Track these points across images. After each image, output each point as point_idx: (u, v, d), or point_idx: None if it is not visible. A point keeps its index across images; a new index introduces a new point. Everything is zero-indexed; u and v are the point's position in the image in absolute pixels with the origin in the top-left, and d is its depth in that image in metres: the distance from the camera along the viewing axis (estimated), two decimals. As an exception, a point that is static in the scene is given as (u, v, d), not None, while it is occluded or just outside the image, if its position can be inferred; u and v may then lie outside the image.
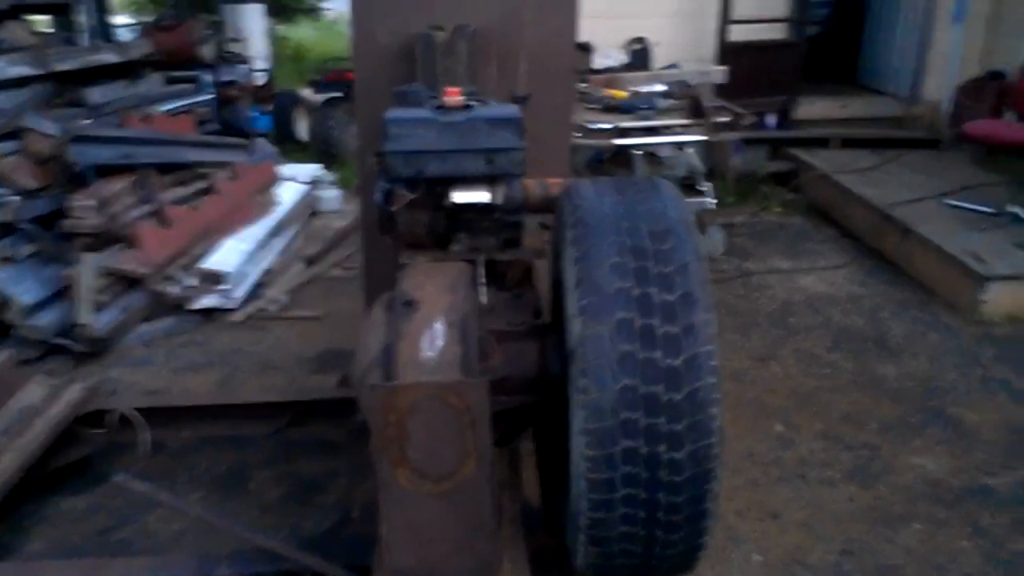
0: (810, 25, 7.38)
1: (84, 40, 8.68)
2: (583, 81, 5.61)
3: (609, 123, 4.56)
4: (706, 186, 5.13)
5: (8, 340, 3.81)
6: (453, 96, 1.95)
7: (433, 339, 1.80)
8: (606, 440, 1.55)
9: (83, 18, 9.55)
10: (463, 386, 1.70)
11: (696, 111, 4.55)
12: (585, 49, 6.29)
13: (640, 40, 6.20)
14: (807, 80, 6.93)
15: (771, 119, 6.69)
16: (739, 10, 6.27)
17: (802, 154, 6.37)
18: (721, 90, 6.16)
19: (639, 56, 6.15)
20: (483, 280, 2.01)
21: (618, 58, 6.13)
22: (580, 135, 4.72)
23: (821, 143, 6.52)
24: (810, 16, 6.85)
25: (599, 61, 6.17)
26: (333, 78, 7.51)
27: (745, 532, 2.85)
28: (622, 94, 5.20)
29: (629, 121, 4.59)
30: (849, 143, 6.51)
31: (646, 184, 1.84)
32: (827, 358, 4.04)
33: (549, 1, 2.98)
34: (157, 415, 3.14)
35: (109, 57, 5.16)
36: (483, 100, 2.06)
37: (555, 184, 2.22)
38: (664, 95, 4.94)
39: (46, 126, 4.13)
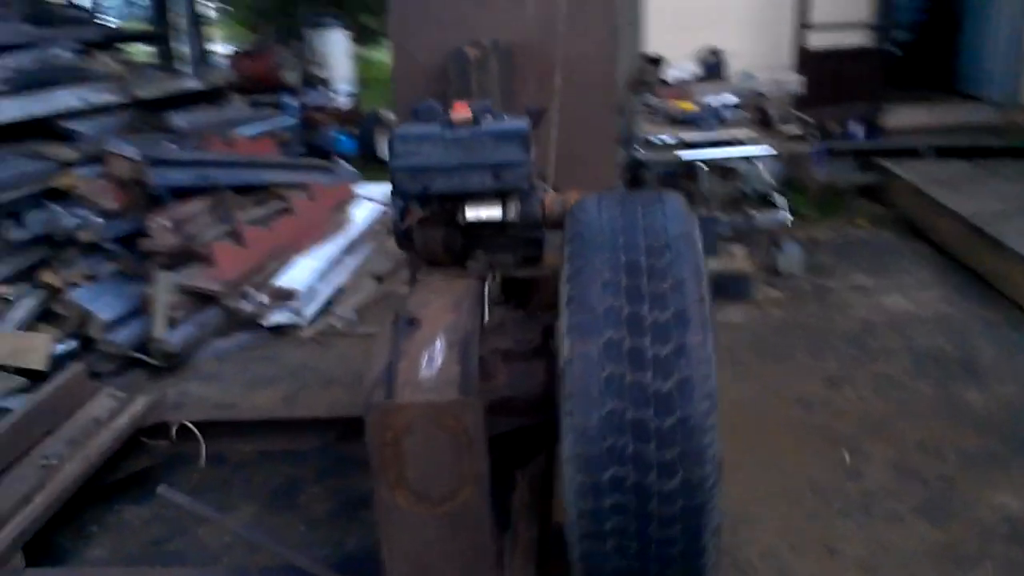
0: (900, 30, 7.03)
1: (184, 67, 9.20)
2: (653, 94, 5.52)
3: (672, 136, 4.45)
4: (780, 200, 4.94)
5: (89, 354, 4.02)
6: (461, 111, 1.92)
7: (432, 358, 1.77)
8: (592, 467, 1.48)
9: (183, 47, 10.12)
10: (458, 406, 1.66)
11: (764, 122, 4.39)
12: (656, 62, 6.20)
13: (713, 50, 6.04)
14: (899, 87, 6.59)
15: (857, 129, 6.39)
16: (818, 16, 6.03)
17: (891, 165, 6.05)
18: (800, 99, 5.94)
19: (712, 67, 5.99)
20: (490, 298, 1.97)
21: (690, 70, 6.00)
22: (644, 150, 4.64)
23: (912, 153, 6.17)
24: (896, 20, 6.51)
25: (671, 74, 6.06)
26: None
27: (799, 569, 2.68)
28: (690, 106, 5.08)
29: (693, 134, 4.46)
30: (943, 152, 6.14)
31: (651, 198, 1.76)
32: (906, 383, 3.79)
33: (585, 15, 2.93)
34: (217, 428, 3.24)
35: (191, 84, 5.42)
36: (496, 114, 2.03)
37: (576, 200, 2.16)
38: (731, 106, 4.78)
39: (127, 150, 4.35)
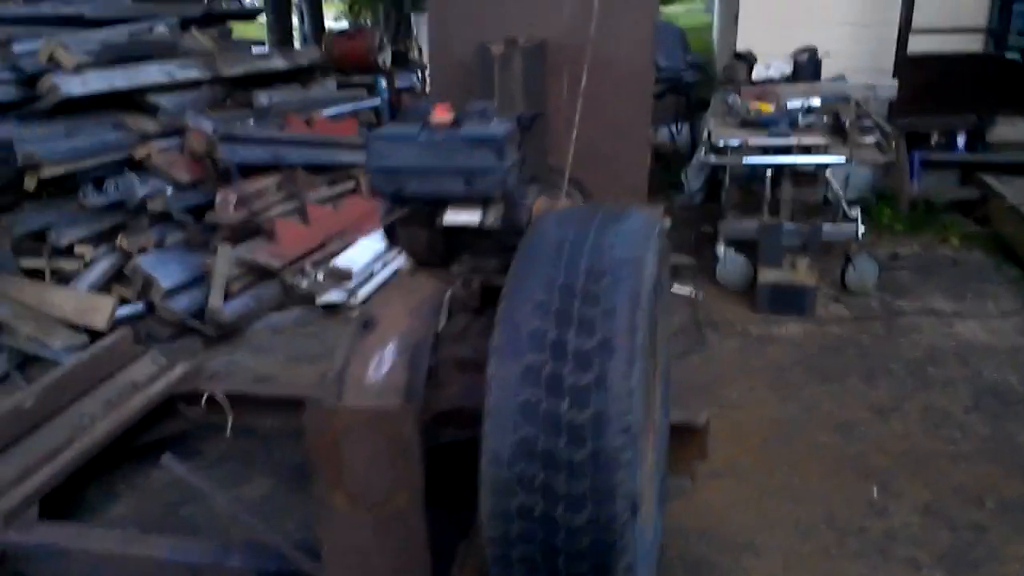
0: (1021, 38, 6.48)
1: (297, 43, 9.48)
2: (737, 92, 5.32)
3: (737, 139, 4.27)
4: (854, 211, 4.68)
5: (150, 318, 4.24)
6: (441, 114, 1.91)
7: (382, 362, 1.78)
8: (502, 492, 1.45)
9: (296, 22, 10.44)
10: (394, 414, 1.66)
11: (837, 129, 4.15)
12: (745, 59, 5.97)
13: (809, 50, 5.75)
14: (1015, 98, 6.08)
15: (959, 140, 5.96)
16: (926, 19, 5.63)
17: (992, 181, 5.61)
18: (898, 106, 5.60)
19: (805, 67, 5.71)
20: (455, 304, 1.95)
21: (781, 68, 5.73)
22: (706, 151, 4.48)
23: (1019, 170, 5.71)
24: (1013, 26, 6.00)
25: (759, 71, 5.81)
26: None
27: (793, 607, 2.56)
28: (768, 108, 4.86)
29: (759, 137, 4.27)
30: (1054, 171, 5.66)
31: (615, 216, 1.70)
32: (960, 418, 3.53)
33: (626, 17, 2.85)
34: (246, 401, 3.36)
35: (277, 63, 5.59)
36: (488, 117, 2.00)
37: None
38: (811, 111, 4.55)
39: (204, 125, 4.55)
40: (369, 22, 11.15)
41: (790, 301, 4.52)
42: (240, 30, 9.27)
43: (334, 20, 12.76)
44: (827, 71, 5.86)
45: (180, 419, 3.44)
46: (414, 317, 1.82)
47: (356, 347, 1.79)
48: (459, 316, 1.92)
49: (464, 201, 1.96)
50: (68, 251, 4.43)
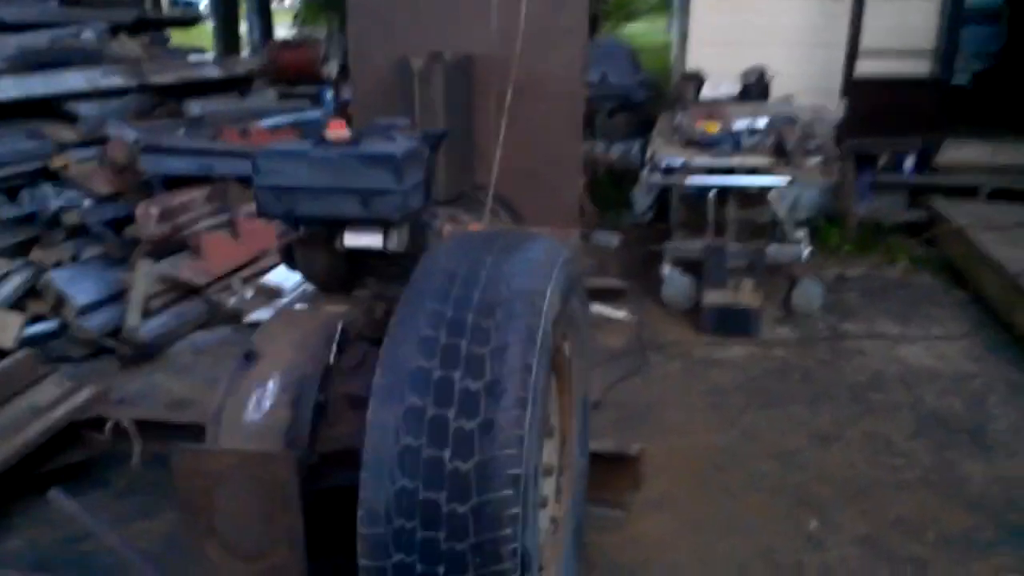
0: (975, 59, 6.54)
1: (245, 52, 9.26)
2: (684, 112, 5.24)
3: (680, 159, 4.18)
4: (799, 233, 4.62)
5: (62, 338, 4.01)
6: (336, 129, 1.75)
7: (261, 400, 1.61)
8: (377, 550, 1.29)
9: (246, 30, 10.20)
10: (270, 459, 1.50)
11: (779, 150, 4.08)
12: (694, 78, 5.92)
13: (758, 70, 5.71)
14: (964, 122, 6.11)
15: (908, 162, 5.95)
16: (875, 41, 5.63)
17: (941, 204, 5.61)
18: (847, 128, 5.57)
19: (754, 87, 5.66)
20: (355, 335, 1.79)
21: (729, 88, 5.68)
22: (652, 172, 4.39)
23: (968, 193, 5.71)
24: (966, 50, 6.04)
25: (708, 91, 5.76)
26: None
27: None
28: (714, 127, 4.79)
29: (702, 158, 4.19)
30: (1000, 195, 5.67)
31: (513, 241, 1.55)
32: (903, 446, 3.45)
33: (557, 33, 2.73)
34: (156, 428, 3.15)
35: (211, 72, 5.39)
36: (388, 135, 1.85)
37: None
38: (756, 131, 4.48)
39: (126, 134, 4.33)
40: (323, 33, 10.97)
41: (735, 323, 4.43)
42: (187, 38, 9.04)
43: (288, 29, 12.54)
44: (777, 91, 5.82)
45: (84, 447, 3.23)
46: (300, 350, 1.66)
47: (235, 384, 1.62)
48: (357, 347, 1.76)
49: (365, 223, 1.81)
50: (-19, 265, 4.18)
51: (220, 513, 1.55)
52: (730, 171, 4.22)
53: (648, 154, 4.47)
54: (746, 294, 4.41)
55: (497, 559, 1.27)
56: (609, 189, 6.96)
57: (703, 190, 4.60)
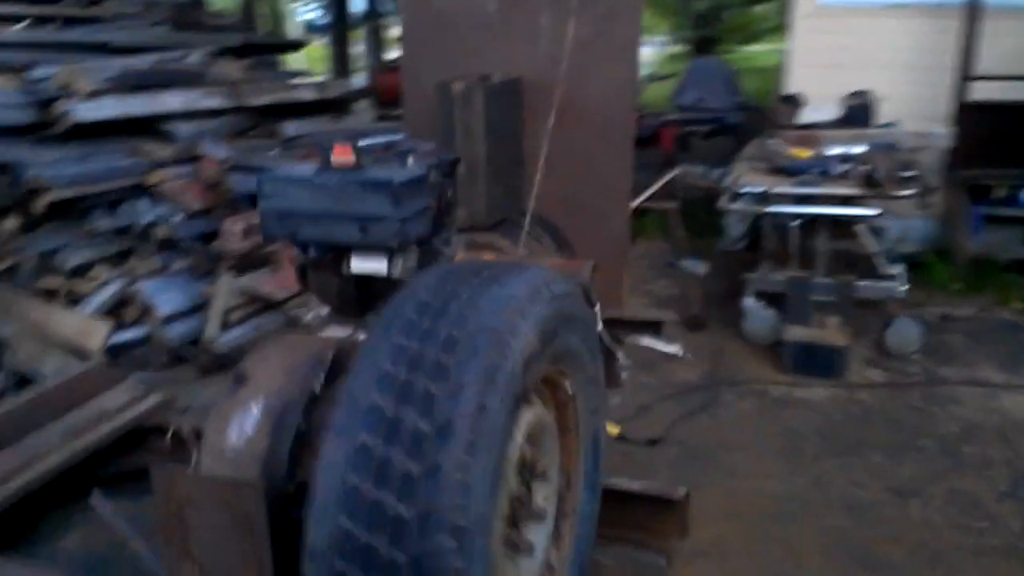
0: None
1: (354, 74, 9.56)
2: (776, 137, 5.02)
3: (761, 186, 3.99)
4: (895, 268, 4.31)
5: (145, 345, 4.20)
6: (341, 153, 1.74)
7: (243, 425, 1.60)
8: (317, 593, 1.25)
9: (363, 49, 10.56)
10: (237, 486, 1.48)
11: (870, 180, 3.82)
12: (793, 101, 5.66)
13: (861, 94, 5.40)
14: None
15: (1028, 195, 5.48)
16: (991, 65, 5.21)
17: (1063, 241, 5.13)
18: (958, 156, 5.19)
19: (857, 112, 5.36)
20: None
21: (830, 113, 5.40)
22: (730, 198, 4.21)
23: (1095, 229, 5.20)
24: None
25: (808, 115, 5.50)
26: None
27: None
28: (805, 153, 4.56)
29: (784, 186, 3.98)
30: None
31: (498, 273, 1.48)
32: (992, 508, 3.13)
33: (607, 54, 2.65)
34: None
35: (306, 94, 5.57)
36: (397, 160, 1.83)
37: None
38: (846, 159, 4.23)
39: (218, 153, 4.52)
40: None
41: (818, 362, 4.17)
42: (301, 60, 9.44)
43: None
44: (884, 116, 5.50)
45: (150, 452, 3.35)
46: (288, 376, 1.64)
47: (221, 406, 1.62)
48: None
49: (370, 248, 1.78)
50: (85, 273, 4.45)
51: (194, 536, 1.54)
52: (813, 200, 3.98)
53: (729, 180, 4.28)
54: (831, 331, 4.15)
55: (435, 614, 1.20)
56: (703, 215, 6.76)
57: (791, 219, 4.39)
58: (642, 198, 6.59)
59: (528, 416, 1.56)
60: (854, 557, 2.87)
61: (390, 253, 1.78)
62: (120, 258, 4.53)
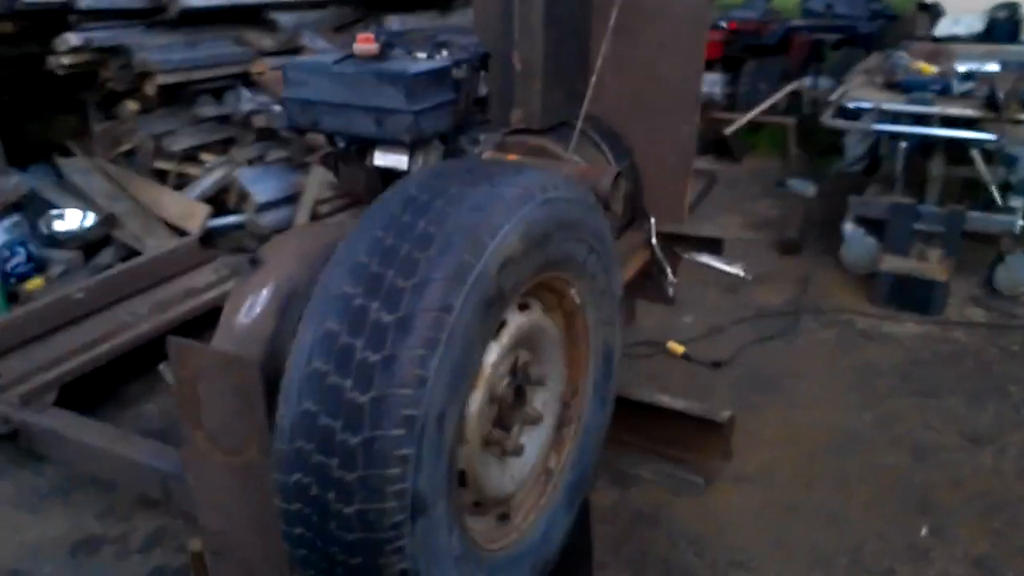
0: None
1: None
2: (903, 49, 4.62)
3: (868, 102, 3.69)
4: (1016, 202, 3.94)
5: (241, 230, 4.42)
6: (364, 43, 1.73)
7: (253, 306, 1.67)
8: (282, 466, 1.32)
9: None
10: (236, 361, 1.56)
11: (989, 102, 3.47)
12: (929, 10, 5.16)
13: (1009, 6, 4.85)
14: None
15: None
16: None
17: None
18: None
19: (1001, 25, 4.84)
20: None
21: (971, 25, 4.90)
22: (834, 113, 3.93)
23: None
24: None
25: (944, 27, 5.01)
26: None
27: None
28: (930, 69, 4.17)
29: (895, 103, 3.67)
30: None
31: (496, 172, 1.45)
32: (1074, 463, 2.92)
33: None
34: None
35: (412, -12, 5.52)
36: (427, 50, 1.80)
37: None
38: (969, 76, 3.84)
39: (317, 45, 4.58)
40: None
41: (913, 296, 3.92)
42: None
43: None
44: (1031, 32, 4.94)
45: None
46: (300, 262, 1.69)
47: (236, 287, 1.70)
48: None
49: (390, 142, 1.78)
50: (195, 156, 4.69)
51: (205, 406, 1.65)
52: (926, 120, 3.66)
53: (836, 94, 3.99)
54: (931, 264, 3.87)
55: (380, 497, 1.24)
56: (825, 132, 6.36)
57: (915, 140, 4.06)
58: (756, 111, 6.27)
59: (520, 320, 1.55)
60: (907, 498, 2.76)
61: (411, 148, 1.78)
62: (224, 145, 4.73)
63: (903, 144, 3.84)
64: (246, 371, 1.54)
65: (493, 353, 1.48)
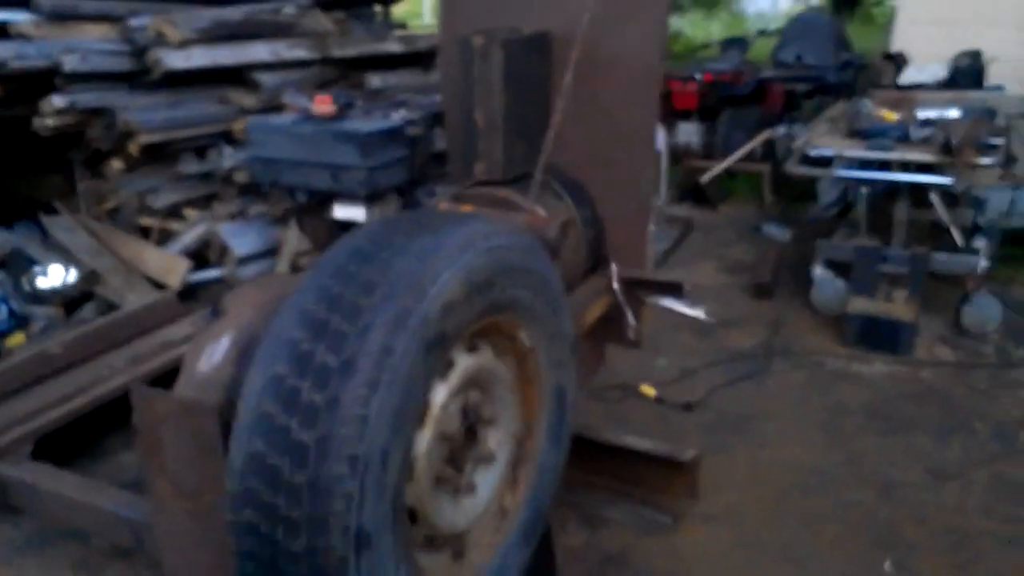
0: None
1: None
2: (867, 97, 4.78)
3: (830, 149, 3.82)
4: (978, 242, 4.06)
5: (220, 284, 4.49)
6: (321, 104, 1.83)
7: (213, 354, 1.74)
8: (234, 505, 1.37)
9: None
10: (195, 407, 1.62)
11: (945, 147, 3.60)
12: (895, 60, 5.36)
13: (971, 54, 5.04)
14: None
15: None
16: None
17: None
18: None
19: (965, 73, 5.01)
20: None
21: (935, 73, 5.07)
22: (793, 164, 4.06)
23: None
24: None
25: (910, 75, 5.18)
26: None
27: None
28: (892, 117, 4.32)
29: (855, 149, 3.80)
30: None
31: (442, 223, 1.53)
32: (1036, 498, 2.97)
33: (634, 6, 2.60)
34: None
35: (392, 47, 5.69)
36: (383, 111, 1.90)
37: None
38: (927, 123, 3.98)
39: (299, 103, 4.72)
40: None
41: (882, 336, 4.00)
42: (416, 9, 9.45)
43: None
44: (992, 79, 5.12)
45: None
46: (258, 311, 1.76)
47: (197, 336, 1.77)
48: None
49: (348, 196, 1.87)
50: (177, 213, 4.79)
51: (168, 452, 1.70)
52: (886, 166, 3.78)
53: (799, 141, 4.13)
54: (898, 305, 3.96)
55: (325, 532, 1.30)
56: (798, 179, 6.52)
57: (883, 186, 4.19)
58: (730, 160, 6.42)
59: (469, 362, 1.62)
60: (873, 534, 2.80)
61: (368, 201, 1.87)
62: (207, 201, 4.84)
63: (864, 189, 3.96)
64: (204, 416, 1.60)
65: (441, 393, 1.55)
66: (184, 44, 4.50)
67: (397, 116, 1.88)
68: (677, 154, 7.20)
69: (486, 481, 1.75)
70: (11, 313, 4.08)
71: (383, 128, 1.80)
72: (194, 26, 4.57)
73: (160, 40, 4.46)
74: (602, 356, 3.26)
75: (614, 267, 2.67)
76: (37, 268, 4.40)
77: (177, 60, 4.43)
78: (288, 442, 1.31)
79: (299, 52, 5.10)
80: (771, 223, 5.81)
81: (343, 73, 5.53)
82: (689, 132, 7.24)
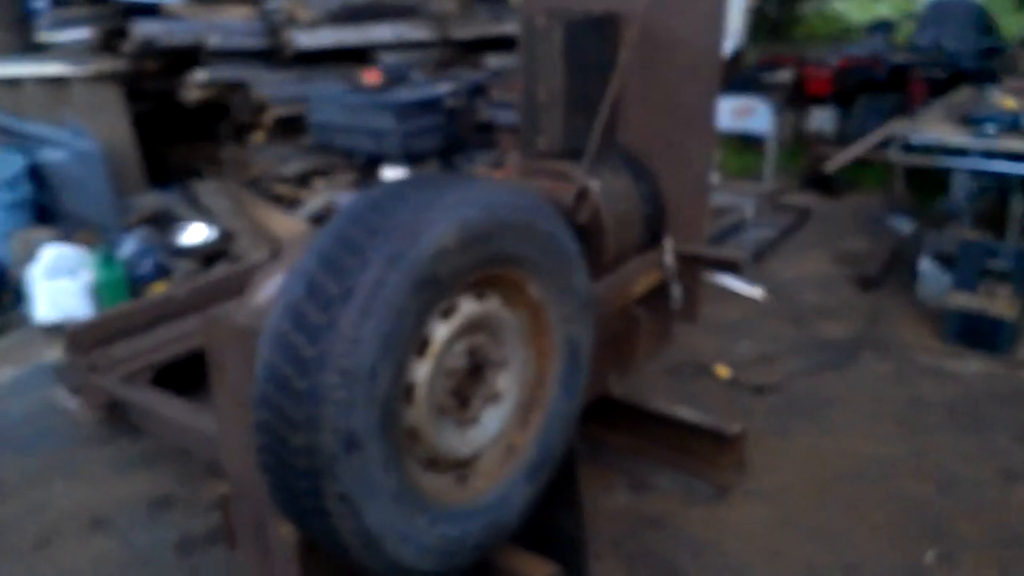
0: None
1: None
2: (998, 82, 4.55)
3: (931, 137, 3.71)
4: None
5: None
6: (370, 76, 2.06)
7: (266, 288, 2.02)
8: (256, 405, 1.63)
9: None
10: (245, 332, 1.90)
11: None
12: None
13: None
14: None
15: None
16: None
17: None
18: None
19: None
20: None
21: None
22: (896, 148, 3.96)
23: None
24: None
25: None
26: (767, 62, 7.21)
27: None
28: (1011, 105, 4.11)
29: (959, 138, 3.66)
30: None
31: (449, 183, 1.73)
32: (1115, 508, 2.82)
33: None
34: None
35: (510, 28, 5.91)
36: (421, 83, 2.10)
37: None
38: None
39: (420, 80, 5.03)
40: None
41: (982, 334, 3.85)
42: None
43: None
44: None
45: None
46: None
47: (257, 273, 2.05)
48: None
49: (393, 159, 2.09)
50: (308, 182, 5.25)
51: (229, 371, 2.00)
52: (989, 155, 3.63)
53: (905, 128, 4.01)
54: (1000, 302, 3.79)
55: (317, 431, 1.53)
56: (933, 170, 6.23)
57: (996, 179, 4.02)
58: (856, 148, 6.21)
59: (474, 307, 1.81)
60: (921, 525, 2.77)
61: (410, 163, 2.08)
62: (334, 171, 5.26)
63: (965, 178, 3.80)
64: (254, 339, 1.87)
65: (443, 331, 1.75)
66: (314, 24, 4.90)
67: (441, 88, 2.08)
68: (807, 140, 7.04)
69: (493, 418, 1.94)
70: (156, 265, 4.64)
71: (420, 98, 2.01)
72: (324, 7, 4.97)
73: (292, 21, 4.89)
74: (667, 331, 3.35)
75: (667, 241, 2.77)
76: (182, 226, 4.97)
77: (306, 39, 4.83)
78: (295, 355, 1.55)
79: (420, 33, 5.41)
80: (897, 214, 5.60)
81: (461, 54, 5.81)
82: (822, 118, 7.06)
